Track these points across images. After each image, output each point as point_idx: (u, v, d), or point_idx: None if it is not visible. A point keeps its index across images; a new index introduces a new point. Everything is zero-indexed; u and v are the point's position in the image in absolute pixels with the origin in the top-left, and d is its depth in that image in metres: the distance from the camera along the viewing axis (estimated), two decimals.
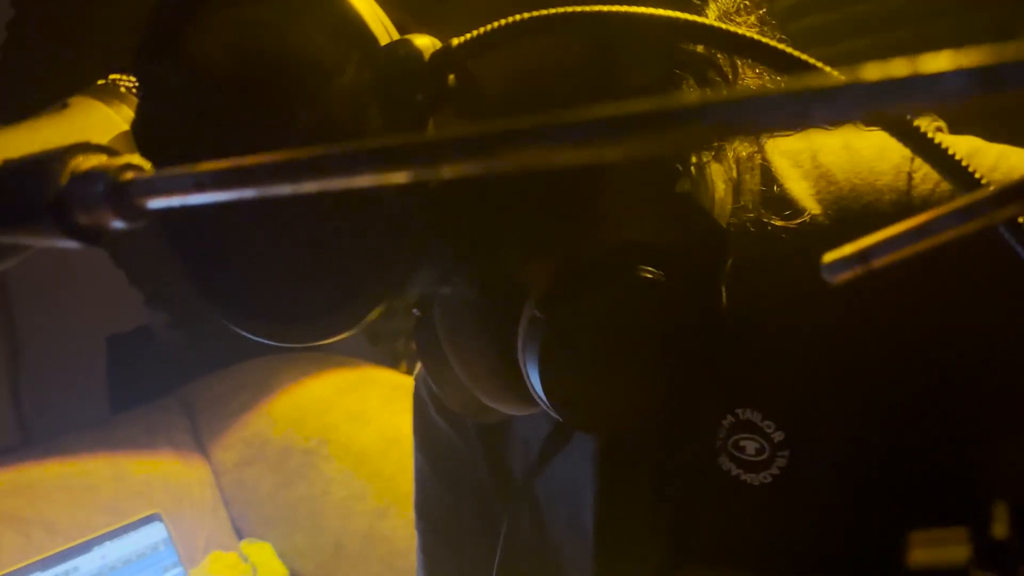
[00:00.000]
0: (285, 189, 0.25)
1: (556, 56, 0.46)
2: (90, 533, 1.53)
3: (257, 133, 0.41)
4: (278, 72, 0.41)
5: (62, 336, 2.26)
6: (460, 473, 0.71)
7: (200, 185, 0.26)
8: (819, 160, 0.57)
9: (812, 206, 0.55)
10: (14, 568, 1.41)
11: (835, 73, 0.33)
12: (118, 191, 0.27)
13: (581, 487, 0.62)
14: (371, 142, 0.24)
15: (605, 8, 0.37)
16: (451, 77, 0.41)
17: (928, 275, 0.49)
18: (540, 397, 0.49)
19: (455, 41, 0.40)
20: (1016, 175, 0.55)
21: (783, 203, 0.55)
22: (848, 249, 0.25)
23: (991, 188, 0.24)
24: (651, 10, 0.37)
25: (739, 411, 0.55)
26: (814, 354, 0.52)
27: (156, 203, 0.27)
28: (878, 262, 0.25)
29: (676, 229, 0.53)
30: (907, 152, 0.55)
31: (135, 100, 0.40)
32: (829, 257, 0.25)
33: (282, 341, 0.44)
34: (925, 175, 0.54)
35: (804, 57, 0.36)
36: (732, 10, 0.53)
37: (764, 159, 0.58)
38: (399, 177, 0.23)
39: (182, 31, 0.42)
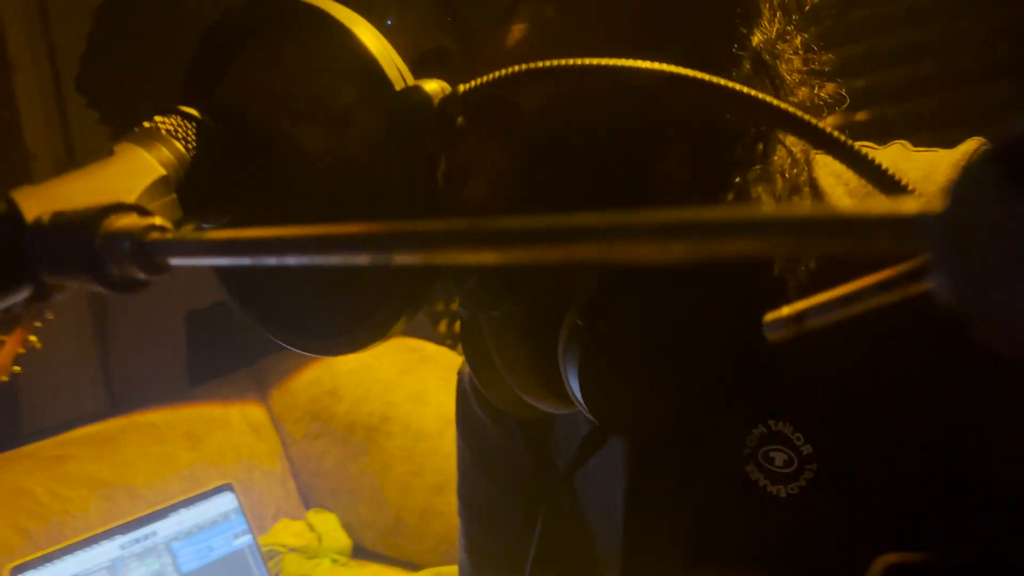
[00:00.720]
0: (292, 260, 0.29)
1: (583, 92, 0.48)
2: (168, 500, 1.63)
3: (283, 170, 0.45)
4: (303, 113, 0.45)
5: (146, 312, 2.39)
6: (500, 463, 0.75)
7: (213, 251, 0.30)
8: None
9: None
10: (100, 530, 1.52)
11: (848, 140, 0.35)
12: (142, 251, 0.32)
13: (614, 484, 0.65)
14: (418, 223, 0.26)
15: (597, 61, 0.39)
16: (459, 119, 0.44)
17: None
18: (578, 399, 0.52)
19: (462, 87, 0.43)
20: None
21: None
22: (785, 311, 0.27)
23: (916, 261, 0.26)
24: (651, 64, 0.38)
25: (771, 422, 0.56)
26: (846, 372, 0.53)
27: (176, 262, 0.32)
28: (811, 323, 0.27)
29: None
30: (955, 174, 0.55)
31: (173, 142, 0.44)
32: (769, 317, 0.27)
33: (322, 353, 0.49)
34: None
35: (808, 118, 0.36)
36: (774, 37, 0.55)
37: (812, 176, 0.59)
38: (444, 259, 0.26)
39: (217, 77, 0.47)
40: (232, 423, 1.96)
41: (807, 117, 0.37)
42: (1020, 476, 0.53)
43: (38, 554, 1.43)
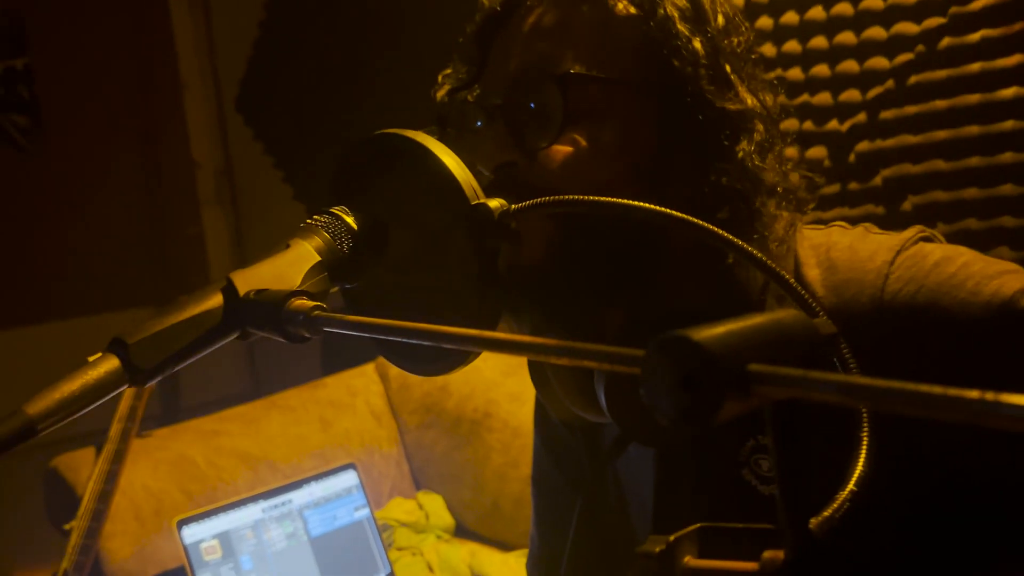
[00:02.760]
0: (394, 336, 0.50)
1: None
2: (301, 474, 1.89)
3: (394, 253, 0.65)
4: (410, 214, 0.65)
5: None
6: (565, 456, 0.94)
7: (350, 326, 0.52)
8: (830, 255, 0.74)
9: (819, 289, 0.73)
10: (247, 495, 1.79)
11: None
12: (310, 321, 0.54)
13: (646, 475, 0.84)
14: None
15: (594, 199, 0.58)
16: (512, 224, 0.63)
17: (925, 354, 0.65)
18: (606, 413, 0.69)
19: (514, 206, 0.62)
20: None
21: (800, 283, 0.72)
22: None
23: None
24: (626, 201, 0.57)
25: (759, 437, 0.74)
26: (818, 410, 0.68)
27: (328, 329, 0.53)
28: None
29: (717, 296, 0.73)
30: (889, 257, 0.71)
31: (324, 234, 0.65)
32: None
33: (424, 375, 0.69)
34: (899, 276, 0.70)
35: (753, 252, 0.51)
36: (760, 142, 0.72)
37: (794, 248, 0.76)
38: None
39: (352, 188, 0.67)
40: (358, 411, 2.22)
41: (733, 239, 0.53)
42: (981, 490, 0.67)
43: (198, 511, 1.71)
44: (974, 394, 0.28)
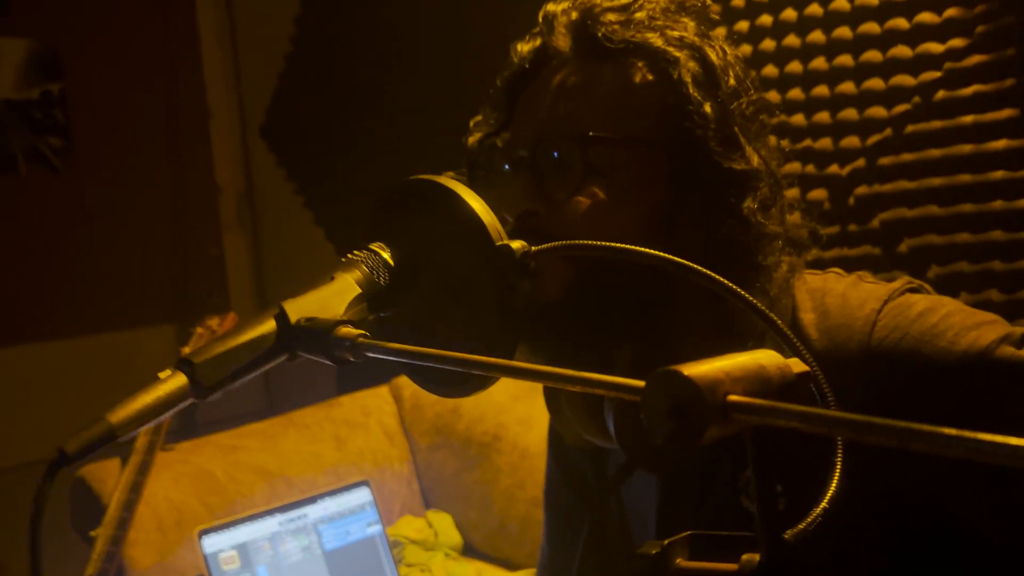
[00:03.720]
0: (421, 362, 0.58)
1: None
2: (316, 490, 1.95)
3: (426, 286, 0.73)
4: (439, 252, 0.72)
5: None
6: (575, 474, 1.00)
7: (388, 352, 0.60)
8: (825, 301, 0.80)
9: (813, 332, 0.79)
10: (264, 509, 1.84)
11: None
12: (354, 347, 0.61)
13: (650, 501, 0.90)
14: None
15: (607, 244, 0.65)
16: (532, 264, 0.71)
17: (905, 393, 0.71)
18: (614, 439, 0.76)
19: (534, 248, 0.69)
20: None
21: (796, 328, 0.79)
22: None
23: None
24: (636, 248, 0.64)
25: None
26: (798, 440, 0.73)
27: (370, 354, 0.61)
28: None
29: (717, 339, 0.80)
30: (878, 306, 0.77)
31: (364, 267, 0.73)
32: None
33: (447, 396, 0.76)
34: (885, 324, 0.75)
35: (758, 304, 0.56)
36: (765, 198, 0.79)
37: (792, 293, 0.82)
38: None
39: (389, 226, 0.74)
40: (371, 430, 2.29)
41: (733, 286, 0.59)
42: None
43: (218, 522, 1.77)
44: (893, 422, 0.36)
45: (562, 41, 0.82)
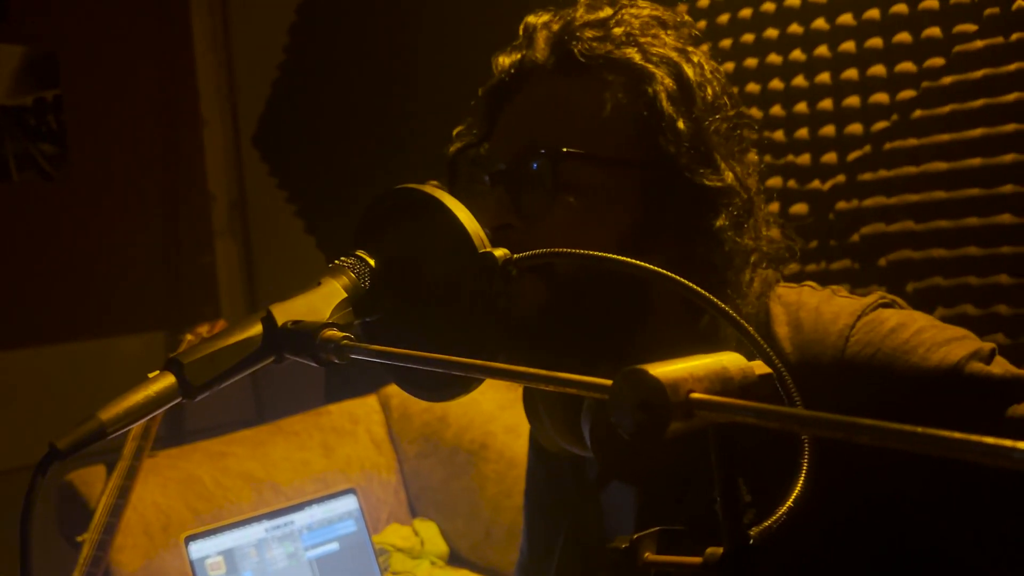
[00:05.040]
0: (406, 364, 0.60)
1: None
2: (303, 497, 1.96)
3: (410, 292, 0.75)
4: (424, 259, 0.74)
5: None
6: (555, 477, 1.02)
7: (373, 354, 0.62)
8: (798, 315, 0.82)
9: (787, 345, 0.80)
10: (251, 515, 1.85)
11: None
12: (339, 350, 0.64)
13: (628, 511, 0.92)
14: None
15: (582, 252, 0.67)
16: (514, 271, 0.73)
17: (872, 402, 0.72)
18: (590, 449, 0.78)
19: (516, 256, 0.72)
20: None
21: (770, 340, 0.80)
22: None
23: None
24: (610, 256, 0.66)
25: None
26: (772, 447, 0.68)
27: (355, 356, 0.63)
28: None
29: (691, 351, 0.81)
30: (851, 321, 0.78)
31: (350, 273, 0.75)
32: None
33: (430, 400, 0.78)
34: (858, 340, 0.77)
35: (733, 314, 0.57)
36: (738, 215, 0.80)
37: (768, 305, 0.83)
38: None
39: (375, 234, 0.76)
40: (359, 438, 2.30)
41: (709, 296, 0.61)
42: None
43: (205, 528, 1.78)
44: (847, 418, 0.38)
45: (541, 55, 0.83)
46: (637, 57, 0.80)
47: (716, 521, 0.84)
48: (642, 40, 0.81)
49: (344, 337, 0.64)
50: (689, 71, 0.80)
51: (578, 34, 0.81)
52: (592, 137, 0.80)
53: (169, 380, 0.65)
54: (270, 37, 2.93)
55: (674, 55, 0.81)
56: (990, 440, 0.33)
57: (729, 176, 0.80)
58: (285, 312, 0.69)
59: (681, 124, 0.78)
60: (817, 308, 0.81)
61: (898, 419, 0.74)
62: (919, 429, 0.35)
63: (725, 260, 0.80)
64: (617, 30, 0.81)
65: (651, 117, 0.79)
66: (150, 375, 0.66)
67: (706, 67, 0.83)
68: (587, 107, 0.81)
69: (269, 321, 0.69)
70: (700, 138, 0.79)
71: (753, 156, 0.85)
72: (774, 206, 1.65)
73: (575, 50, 0.81)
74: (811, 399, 0.56)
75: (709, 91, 0.81)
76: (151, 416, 0.65)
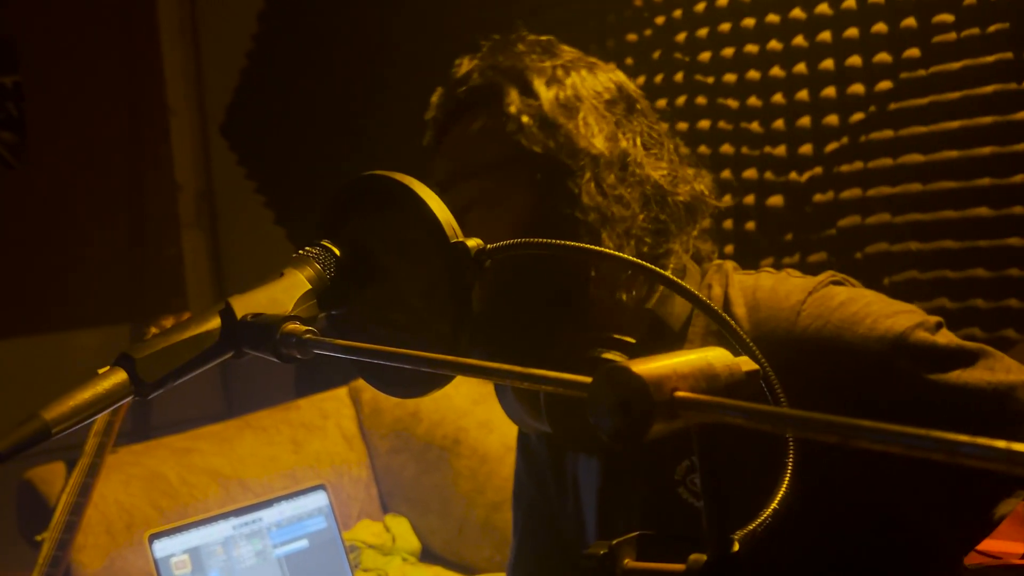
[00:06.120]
0: (373, 359, 0.57)
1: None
2: (272, 493, 1.92)
3: (378, 283, 0.72)
4: (394, 249, 0.72)
5: None
6: (541, 474, 1.02)
7: (336, 349, 0.59)
8: (756, 295, 0.85)
9: (746, 325, 0.82)
10: (218, 512, 1.81)
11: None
12: (300, 344, 0.60)
13: (592, 485, 0.92)
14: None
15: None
16: (487, 262, 0.70)
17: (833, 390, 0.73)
18: (545, 422, 0.79)
19: (489, 245, 0.69)
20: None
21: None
22: None
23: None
24: (556, 241, 0.64)
25: (693, 459, 0.81)
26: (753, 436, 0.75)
27: (317, 351, 0.60)
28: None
29: (644, 331, 0.81)
30: (802, 297, 0.82)
31: (315, 264, 0.72)
32: None
33: (401, 397, 0.76)
34: (809, 313, 0.80)
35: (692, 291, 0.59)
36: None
37: (726, 288, 0.85)
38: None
39: (341, 223, 0.73)
40: (329, 433, 2.26)
41: (679, 282, 0.60)
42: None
43: (169, 526, 1.74)
44: (837, 418, 0.35)
45: (447, 101, 0.93)
46: (481, 82, 0.91)
47: (682, 502, 0.83)
48: (484, 66, 0.91)
49: (307, 331, 0.61)
50: (531, 74, 0.89)
51: (463, 78, 0.92)
52: (489, 150, 0.90)
53: (120, 377, 0.62)
54: (239, 24, 2.87)
55: (517, 63, 0.90)
56: (1001, 444, 0.30)
57: (582, 142, 0.86)
58: (245, 305, 0.66)
59: (523, 108, 0.87)
60: (772, 287, 0.85)
61: (847, 388, 0.75)
62: (922, 432, 0.32)
63: (598, 221, 0.84)
64: (475, 78, 0.92)
65: (508, 122, 0.87)
66: (100, 371, 0.62)
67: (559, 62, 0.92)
68: (480, 130, 0.91)
69: (228, 314, 0.65)
70: (542, 112, 0.87)
71: (638, 126, 0.91)
72: (749, 198, 1.63)
73: (459, 94, 0.92)
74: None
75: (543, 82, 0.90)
76: (101, 414, 0.61)
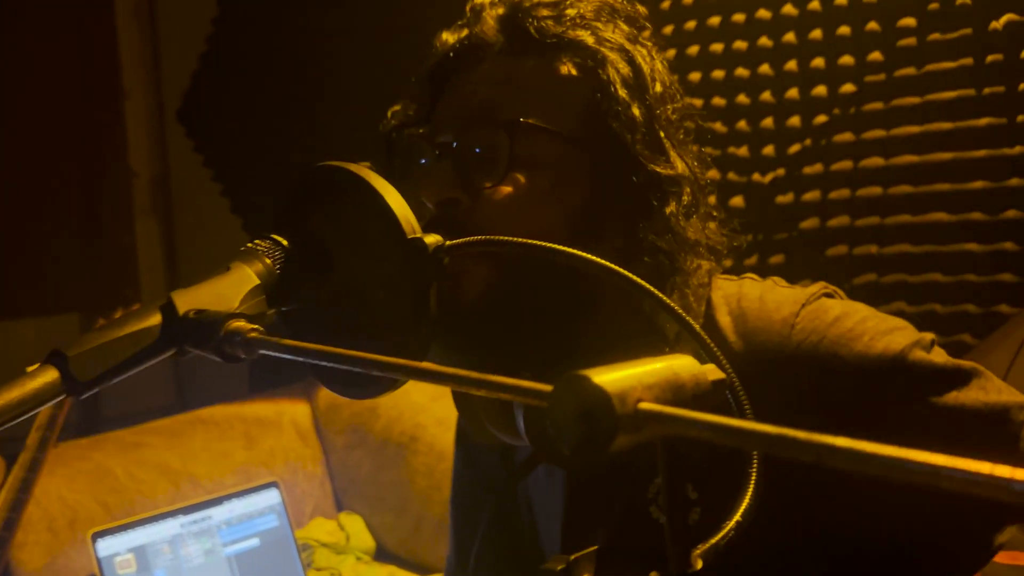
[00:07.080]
0: (320, 362, 0.54)
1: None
2: (223, 490, 1.88)
3: (332, 279, 0.69)
4: (349, 244, 0.68)
5: None
6: (484, 472, 0.98)
7: (283, 349, 0.55)
8: (741, 304, 0.81)
9: (730, 335, 0.79)
10: (166, 509, 1.76)
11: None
12: (246, 343, 0.57)
13: (557, 498, 0.88)
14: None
15: (522, 240, 0.62)
16: (446, 260, 0.67)
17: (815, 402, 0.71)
18: (523, 435, 0.74)
19: (448, 242, 0.66)
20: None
21: (713, 329, 0.79)
22: None
23: None
24: (551, 246, 0.62)
25: None
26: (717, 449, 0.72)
27: (263, 351, 0.57)
28: None
29: (636, 341, 0.78)
30: (795, 310, 0.78)
31: (265, 259, 0.68)
32: None
33: (354, 398, 0.73)
34: (803, 328, 0.76)
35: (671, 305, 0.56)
36: (687, 205, 0.78)
37: (708, 294, 0.82)
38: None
39: (295, 216, 0.70)
40: (283, 429, 2.22)
41: (650, 287, 0.58)
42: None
43: (114, 524, 1.69)
44: (810, 435, 0.33)
45: (490, 33, 0.81)
46: (591, 40, 0.79)
47: (653, 521, 0.80)
48: (595, 24, 0.80)
49: (252, 329, 0.58)
50: (641, 60, 0.80)
51: (532, 12, 0.79)
52: (545, 114, 0.78)
53: (51, 375, 0.58)
54: (198, 7, 2.80)
55: (626, 43, 0.80)
56: (985, 470, 0.28)
57: (680, 164, 0.79)
58: (188, 300, 0.62)
59: (635, 110, 0.77)
60: (760, 298, 0.81)
61: (844, 406, 0.73)
62: (901, 453, 0.30)
63: (675, 249, 0.78)
64: (570, 11, 0.79)
65: (605, 101, 0.77)
66: (29, 368, 0.58)
67: (656, 57, 0.83)
68: (541, 84, 0.79)
69: (169, 310, 0.61)
70: (653, 125, 0.78)
71: (694, 148, 0.85)
72: (711, 198, 1.62)
73: (529, 28, 0.79)
74: (758, 388, 0.54)
75: (659, 80, 0.81)
76: (29, 414, 0.57)
